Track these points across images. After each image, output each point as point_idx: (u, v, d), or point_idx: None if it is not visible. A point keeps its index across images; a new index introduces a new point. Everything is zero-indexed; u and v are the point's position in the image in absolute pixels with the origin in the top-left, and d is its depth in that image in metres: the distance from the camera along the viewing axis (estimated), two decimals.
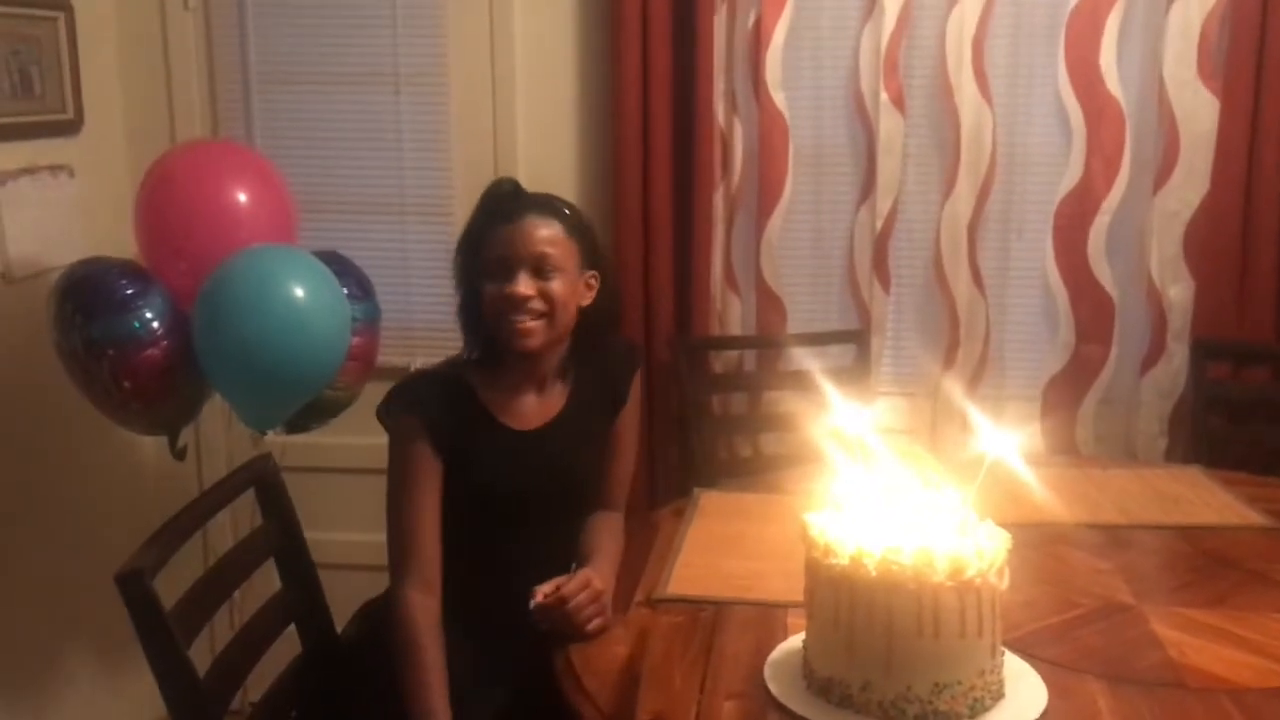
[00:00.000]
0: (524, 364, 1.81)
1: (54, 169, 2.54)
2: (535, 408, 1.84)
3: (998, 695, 1.38)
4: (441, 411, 1.77)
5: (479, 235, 1.78)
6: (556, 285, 1.74)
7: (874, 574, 1.33)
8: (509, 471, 1.79)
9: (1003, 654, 1.40)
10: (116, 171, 2.74)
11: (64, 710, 2.60)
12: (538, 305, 1.73)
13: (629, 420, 1.94)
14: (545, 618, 1.63)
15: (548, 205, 1.79)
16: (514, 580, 1.69)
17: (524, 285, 1.72)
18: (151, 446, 2.73)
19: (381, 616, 1.75)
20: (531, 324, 1.74)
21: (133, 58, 2.81)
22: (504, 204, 1.78)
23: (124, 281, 2.11)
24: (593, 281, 1.82)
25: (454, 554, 1.79)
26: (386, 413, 1.78)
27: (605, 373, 1.90)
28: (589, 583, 1.64)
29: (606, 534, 1.86)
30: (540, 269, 1.74)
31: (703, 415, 2.71)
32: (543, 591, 1.62)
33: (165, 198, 2.23)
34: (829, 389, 1.63)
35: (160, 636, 1.46)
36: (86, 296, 2.11)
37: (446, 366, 1.86)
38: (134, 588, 1.43)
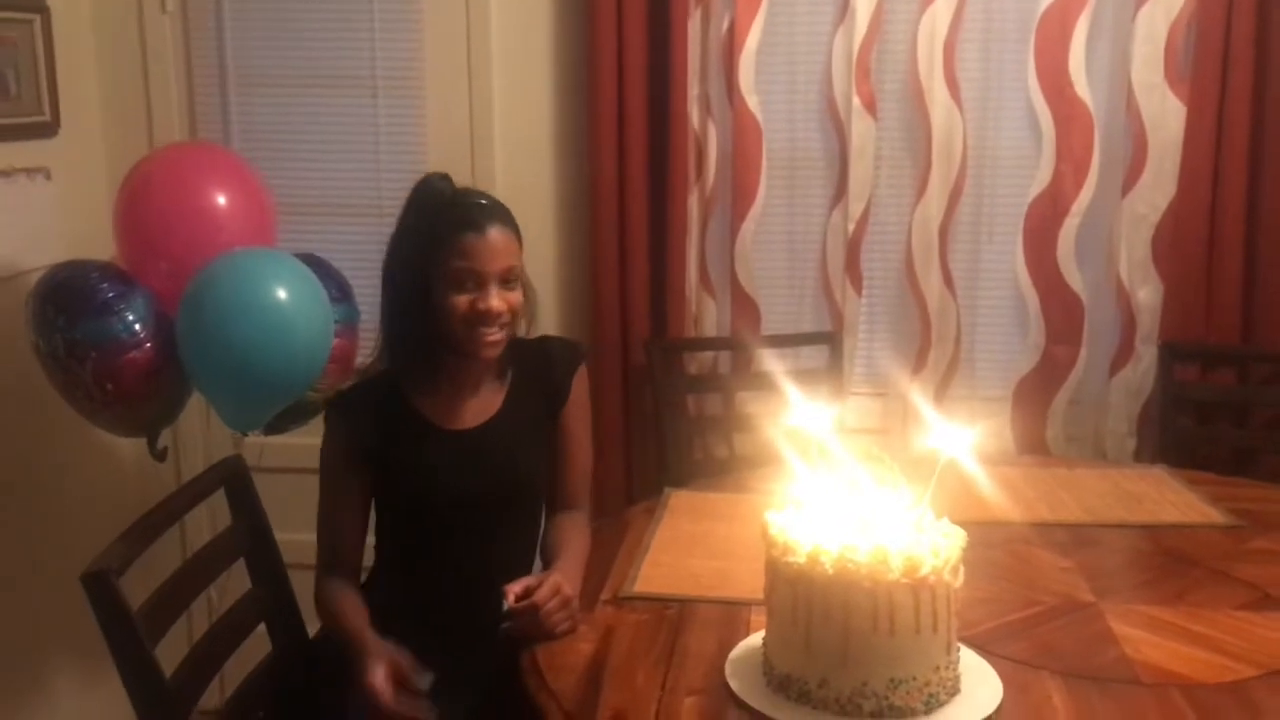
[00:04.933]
0: (462, 366, 1.83)
1: (30, 171, 2.54)
2: (473, 407, 1.86)
3: (953, 691, 1.41)
4: (369, 422, 1.81)
5: (434, 240, 1.77)
6: (517, 295, 1.80)
7: (830, 572, 1.36)
8: (450, 472, 1.81)
9: (959, 650, 1.43)
10: (94, 174, 2.75)
11: (40, 710, 2.61)
12: (505, 318, 1.78)
13: (576, 418, 1.95)
14: (515, 625, 1.62)
15: (504, 213, 1.82)
16: (475, 580, 1.72)
17: (497, 300, 1.76)
18: (130, 447, 2.74)
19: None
20: (498, 336, 1.79)
21: (110, 60, 2.82)
22: (464, 211, 1.79)
23: (106, 284, 2.12)
24: None
25: (412, 558, 1.81)
26: (323, 419, 1.85)
27: (546, 371, 1.93)
28: (559, 589, 1.65)
29: (571, 535, 1.88)
30: (506, 280, 1.78)
31: (678, 416, 2.73)
32: (513, 593, 1.63)
33: (145, 200, 2.23)
34: (790, 389, 1.65)
35: (126, 636, 1.47)
36: (69, 299, 2.11)
37: (381, 372, 1.87)
38: (99, 587, 1.45)
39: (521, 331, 1.91)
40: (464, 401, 1.86)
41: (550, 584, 1.64)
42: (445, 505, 1.81)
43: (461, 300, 1.76)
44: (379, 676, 1.61)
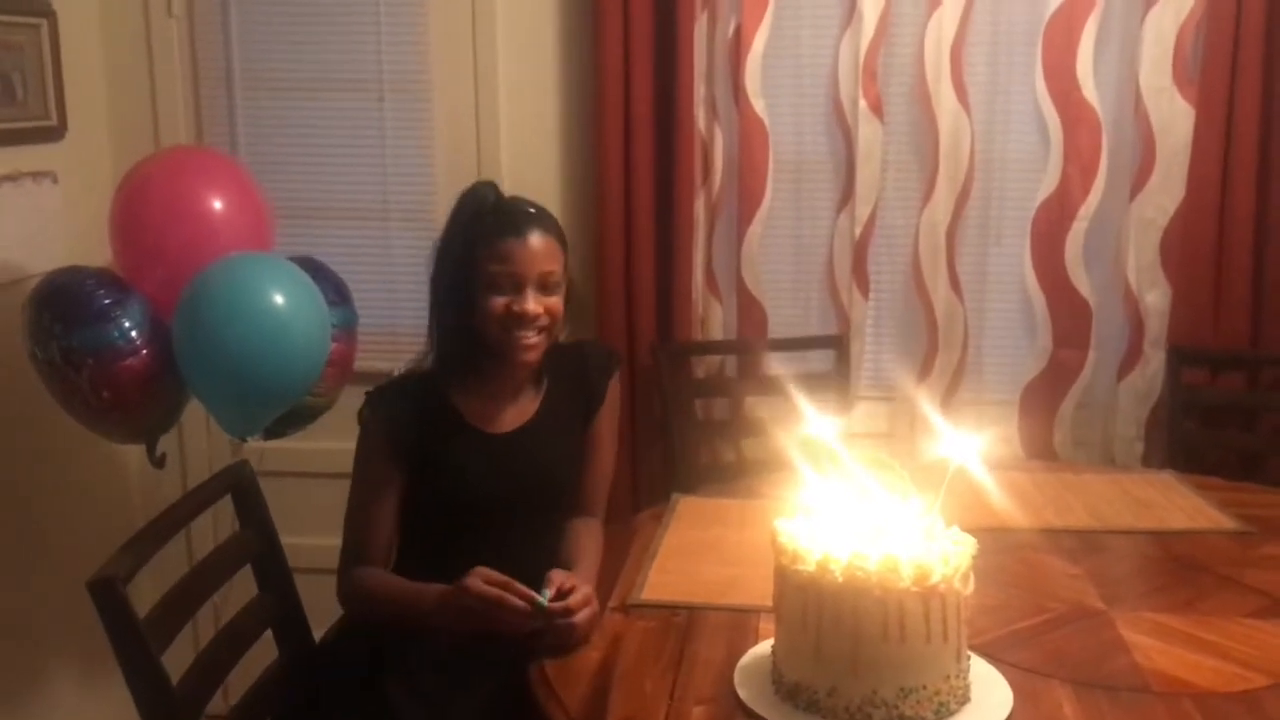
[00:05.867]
0: (503, 370, 1.84)
1: (37, 175, 2.55)
2: (511, 411, 1.87)
3: (963, 699, 1.40)
4: (409, 419, 1.82)
5: (472, 245, 1.79)
6: (556, 300, 1.81)
7: (840, 580, 1.35)
8: (483, 475, 1.82)
9: (969, 659, 1.42)
10: (100, 178, 2.75)
11: (47, 717, 2.61)
12: (543, 321, 1.79)
13: (606, 424, 1.96)
14: (541, 623, 1.59)
15: (546, 218, 1.83)
16: None
17: (534, 303, 1.77)
18: (134, 454, 2.73)
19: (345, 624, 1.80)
20: (535, 339, 1.80)
21: (117, 64, 2.82)
22: (506, 216, 1.80)
23: (102, 291, 2.11)
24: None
25: (432, 559, 1.81)
26: (360, 415, 1.85)
27: (581, 375, 1.94)
28: (590, 601, 1.64)
29: (587, 542, 1.88)
30: (545, 285, 1.80)
31: (684, 420, 2.73)
32: (555, 586, 1.62)
33: (140, 206, 2.23)
34: (799, 396, 1.65)
35: (132, 643, 1.47)
36: (65, 306, 2.10)
37: (422, 370, 1.89)
38: (107, 594, 1.44)
39: (560, 336, 1.91)
40: (502, 405, 1.87)
41: (584, 594, 1.63)
42: (471, 506, 1.82)
43: (499, 303, 1.77)
44: (478, 575, 1.61)
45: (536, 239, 1.78)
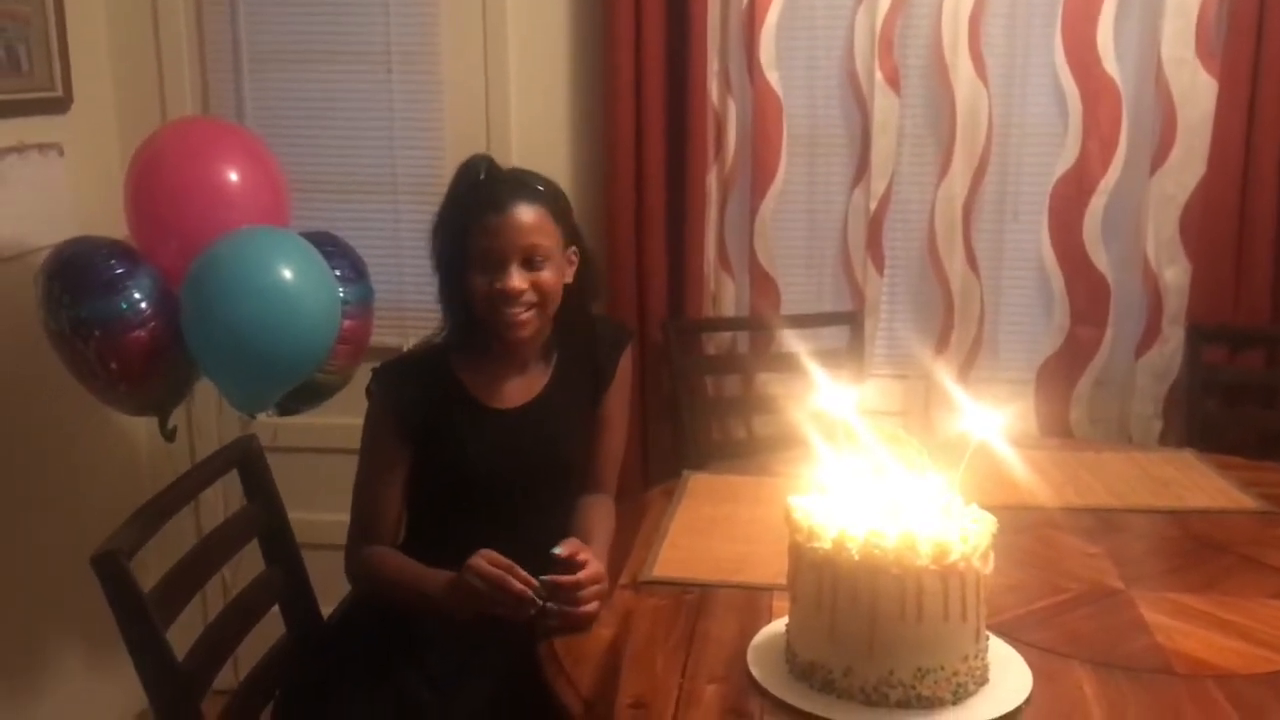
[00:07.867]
0: (509, 346, 1.82)
1: (43, 147, 2.52)
2: (518, 386, 1.85)
3: (982, 680, 1.37)
4: (416, 394, 1.81)
5: (461, 221, 1.77)
6: (546, 274, 1.77)
7: (857, 558, 1.32)
8: (490, 450, 1.80)
9: (987, 639, 1.39)
10: (106, 150, 2.72)
11: (55, 695, 2.60)
12: (530, 297, 1.76)
13: (616, 400, 1.94)
14: (549, 596, 1.58)
15: (532, 190, 1.79)
16: None
17: (517, 279, 1.74)
18: (144, 428, 2.72)
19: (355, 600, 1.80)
20: (525, 315, 1.77)
21: (123, 35, 2.79)
22: (488, 190, 1.77)
23: (113, 261, 2.09)
24: (574, 257, 1.84)
25: (439, 534, 1.80)
26: (368, 391, 1.84)
27: (591, 350, 1.92)
28: (602, 579, 1.62)
29: (599, 519, 1.86)
30: (530, 260, 1.76)
31: (695, 397, 2.70)
32: (567, 551, 1.60)
33: (156, 176, 2.20)
34: (815, 371, 1.62)
35: (136, 617, 1.46)
36: (74, 276, 2.09)
37: (430, 346, 1.87)
38: (110, 568, 1.43)
39: (551, 310, 1.87)
40: (509, 381, 1.85)
41: (596, 571, 1.61)
42: (475, 482, 1.81)
43: (483, 280, 1.75)
44: (482, 557, 1.59)
45: (521, 212, 1.74)
